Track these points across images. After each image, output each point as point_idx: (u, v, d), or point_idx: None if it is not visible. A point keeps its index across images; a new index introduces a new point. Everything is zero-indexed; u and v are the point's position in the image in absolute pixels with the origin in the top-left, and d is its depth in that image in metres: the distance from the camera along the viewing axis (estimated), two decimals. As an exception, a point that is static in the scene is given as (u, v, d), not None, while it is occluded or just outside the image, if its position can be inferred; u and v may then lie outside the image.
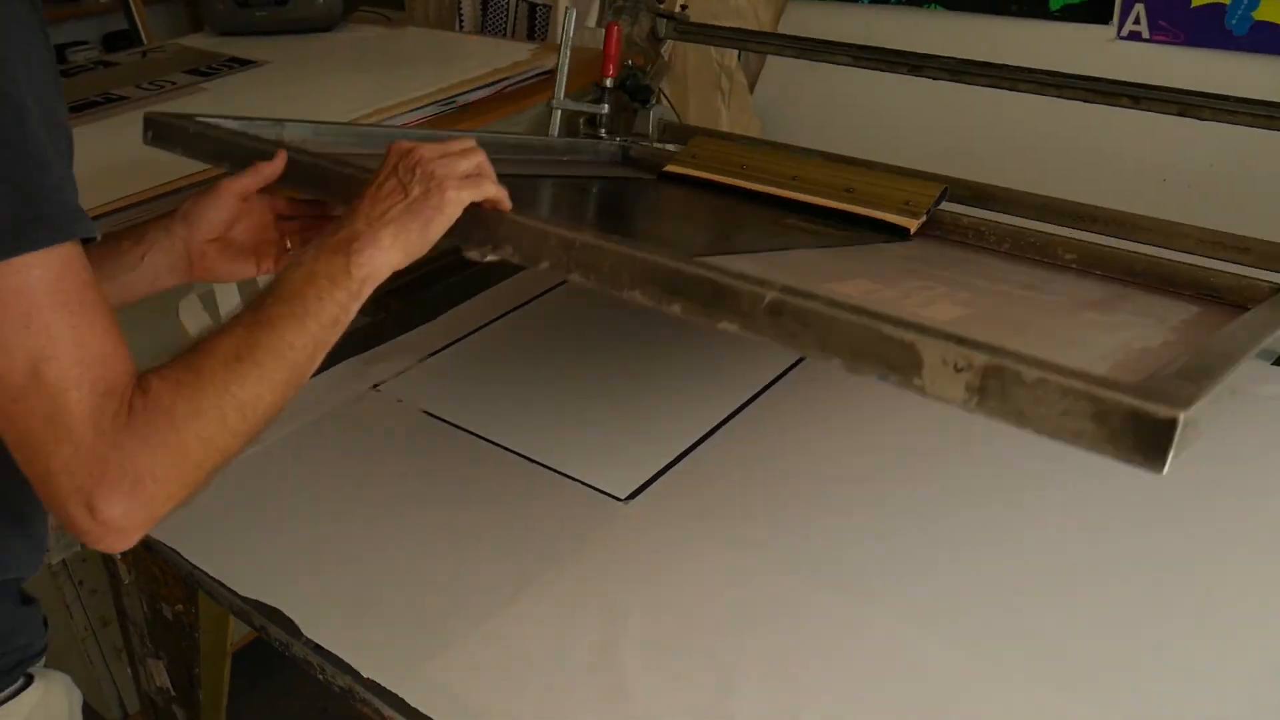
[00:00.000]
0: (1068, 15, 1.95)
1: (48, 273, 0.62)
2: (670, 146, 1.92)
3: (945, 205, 1.55)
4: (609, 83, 1.81)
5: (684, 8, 2.05)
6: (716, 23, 2.02)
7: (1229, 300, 1.33)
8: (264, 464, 1.25)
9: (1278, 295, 1.24)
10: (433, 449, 1.27)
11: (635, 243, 0.86)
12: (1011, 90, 1.66)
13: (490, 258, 0.94)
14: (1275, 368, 1.22)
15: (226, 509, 1.16)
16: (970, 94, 1.93)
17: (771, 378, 1.43)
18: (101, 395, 0.64)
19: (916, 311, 0.98)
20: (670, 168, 1.69)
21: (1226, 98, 1.48)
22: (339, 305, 0.78)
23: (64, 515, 0.65)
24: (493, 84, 2.12)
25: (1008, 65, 1.65)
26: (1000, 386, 0.68)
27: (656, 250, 0.85)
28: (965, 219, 1.52)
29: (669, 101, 1.98)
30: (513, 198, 0.92)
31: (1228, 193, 1.77)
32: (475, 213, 0.94)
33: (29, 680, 0.83)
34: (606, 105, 1.82)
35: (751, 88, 2.10)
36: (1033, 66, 1.63)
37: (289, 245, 1.02)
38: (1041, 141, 1.92)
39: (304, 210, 1.05)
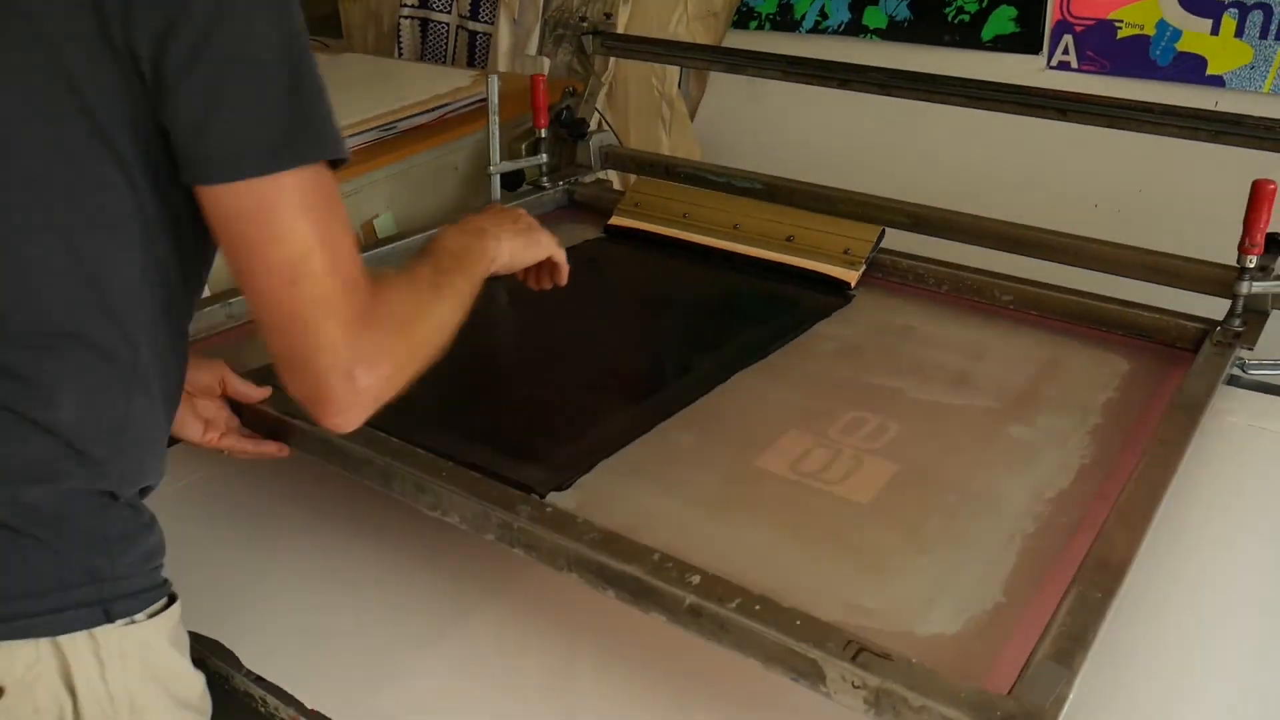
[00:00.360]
0: (1000, 45, 1.92)
1: (319, 181, 0.75)
2: (613, 177, 1.94)
3: (885, 246, 1.58)
4: (542, 133, 1.81)
5: (608, 16, 2.02)
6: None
7: (1159, 340, 1.37)
8: (204, 498, 1.24)
9: (1201, 350, 1.28)
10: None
11: (571, 523, 0.94)
12: (942, 103, 1.65)
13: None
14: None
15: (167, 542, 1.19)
16: (902, 120, 1.92)
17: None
18: (352, 288, 0.77)
19: (842, 498, 1.05)
20: (615, 220, 1.71)
21: (1151, 108, 1.48)
22: (479, 275, 0.98)
23: (321, 388, 0.77)
24: (434, 110, 2.12)
25: (936, 76, 1.64)
26: (891, 704, 0.76)
27: (588, 531, 0.93)
28: (904, 262, 1.55)
29: (609, 126, 1.97)
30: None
31: (1158, 215, 1.78)
32: (419, 480, 1.02)
33: (172, 598, 0.86)
34: (545, 155, 1.82)
35: (692, 115, 2.08)
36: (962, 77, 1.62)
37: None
38: (976, 167, 1.92)
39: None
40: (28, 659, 0.77)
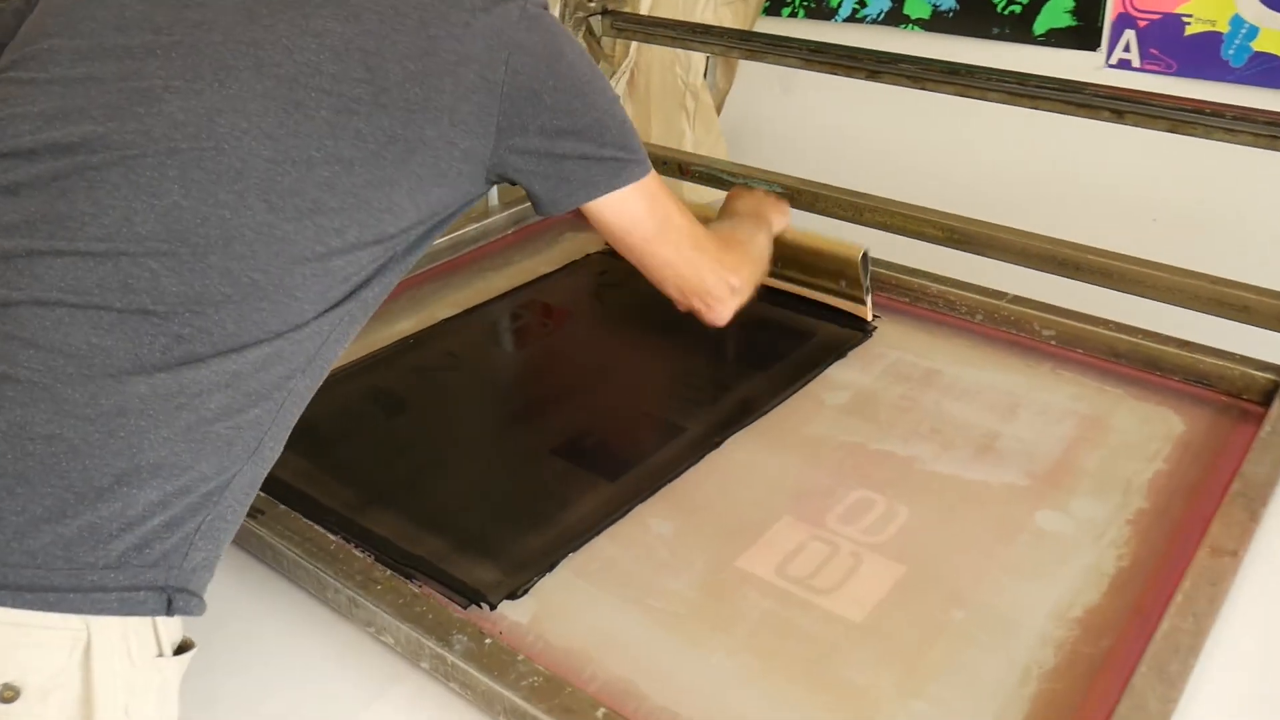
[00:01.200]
0: (1054, 41, 1.70)
1: (652, 179, 1.00)
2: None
3: (916, 266, 1.41)
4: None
5: (627, -6, 1.85)
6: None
7: (1222, 390, 1.20)
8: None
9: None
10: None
11: (510, 664, 0.82)
12: (979, 98, 1.46)
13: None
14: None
15: None
16: (944, 120, 1.72)
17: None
18: (704, 229, 1.09)
19: (831, 614, 0.91)
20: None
21: (1223, 111, 1.28)
22: (771, 231, 1.30)
23: (711, 297, 1.08)
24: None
25: (974, 68, 1.45)
26: None
27: (529, 675, 0.81)
28: (934, 287, 1.38)
29: (623, 117, 1.81)
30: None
31: (1223, 232, 1.57)
32: (351, 595, 0.91)
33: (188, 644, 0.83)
34: (546, 154, 1.67)
35: (719, 108, 1.90)
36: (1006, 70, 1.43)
37: None
38: (1020, 174, 1.72)
39: None
40: (58, 664, 0.72)
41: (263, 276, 0.78)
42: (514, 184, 0.94)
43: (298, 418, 0.85)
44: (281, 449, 0.84)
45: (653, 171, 0.99)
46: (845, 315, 1.37)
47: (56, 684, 0.71)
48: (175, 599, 0.76)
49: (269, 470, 0.84)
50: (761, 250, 1.21)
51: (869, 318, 1.34)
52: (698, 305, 1.09)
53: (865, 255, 1.33)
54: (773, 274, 1.31)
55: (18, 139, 0.80)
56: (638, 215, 0.99)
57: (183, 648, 0.80)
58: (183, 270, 0.76)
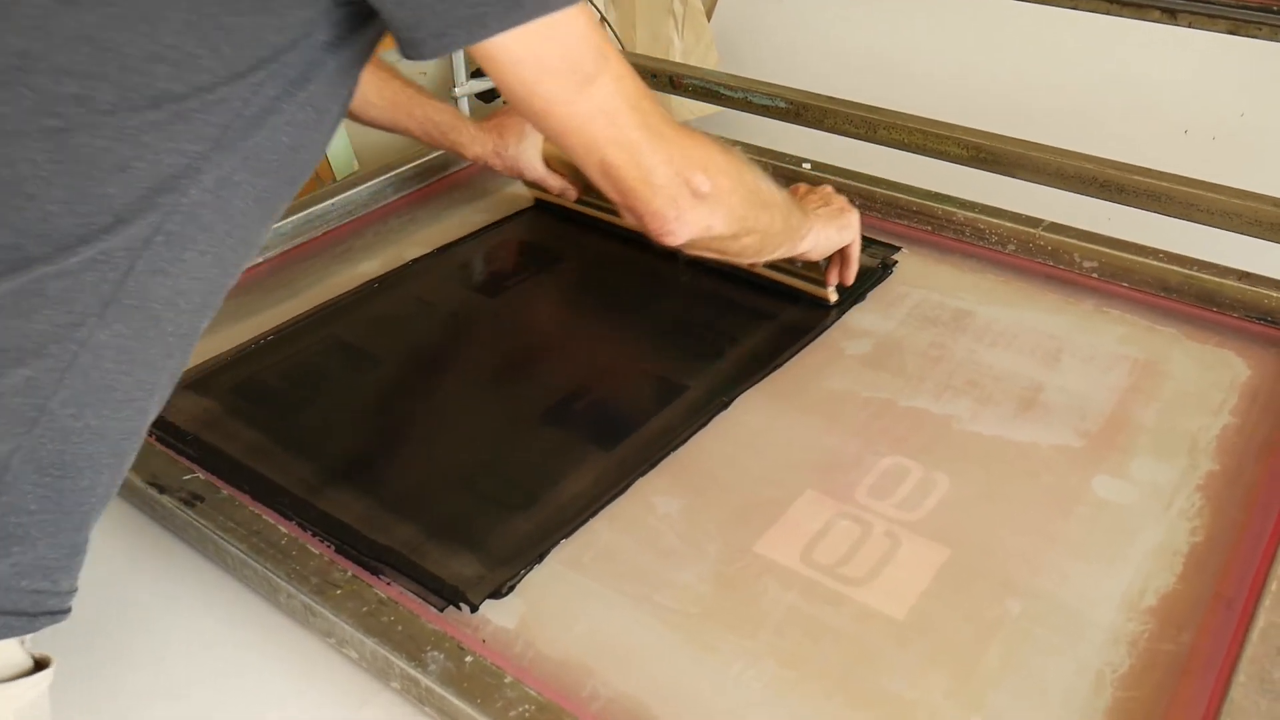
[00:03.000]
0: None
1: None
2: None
3: (938, 189, 1.27)
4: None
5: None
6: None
7: (1288, 327, 1.07)
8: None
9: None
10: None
11: (496, 687, 0.69)
12: (1011, -1, 1.30)
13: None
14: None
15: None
16: (962, 25, 1.55)
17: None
18: (656, 103, 0.76)
19: (868, 609, 0.78)
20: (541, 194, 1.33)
21: (1291, 10, 1.13)
22: (797, 238, 1.00)
23: (666, 200, 0.78)
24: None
25: (1004, -37, 1.29)
26: None
27: (520, 703, 0.68)
28: (959, 214, 1.23)
29: (612, 30, 1.64)
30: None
31: (1260, 146, 1.41)
32: (306, 602, 0.77)
33: (38, 664, 0.66)
34: (522, 69, 1.50)
35: (709, 15, 1.71)
36: (1036, -35, 1.27)
37: None
38: (1041, 80, 1.55)
39: None
40: None
41: None
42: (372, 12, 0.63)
43: (123, 383, 0.62)
44: (104, 423, 0.62)
45: (580, 3, 0.67)
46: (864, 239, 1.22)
47: None
48: None
49: (85, 446, 0.62)
50: (764, 188, 0.89)
51: (831, 298, 1.13)
52: (640, 208, 0.78)
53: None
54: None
55: None
56: (546, 64, 0.66)
57: (39, 664, 0.64)
58: None
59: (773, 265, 1.11)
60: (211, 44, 0.57)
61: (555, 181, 1.26)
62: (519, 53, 0.64)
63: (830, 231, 1.04)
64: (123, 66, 0.56)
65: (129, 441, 0.65)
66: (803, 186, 1.11)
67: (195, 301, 0.64)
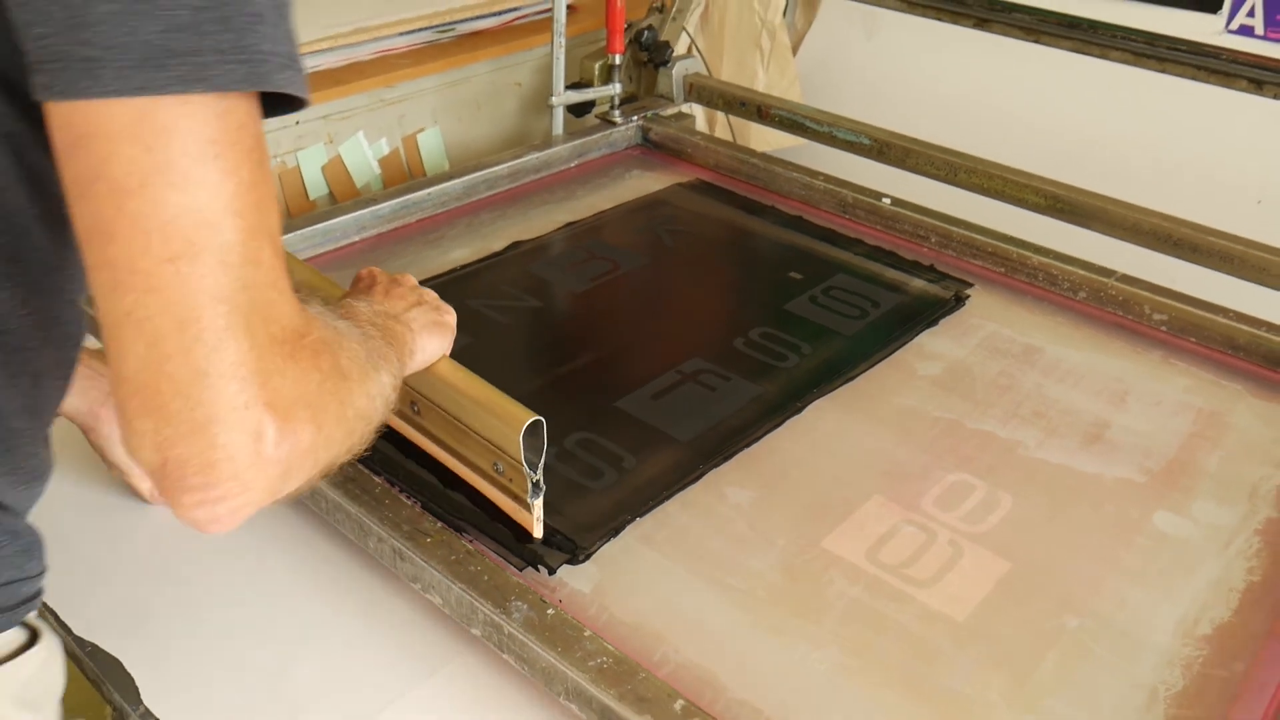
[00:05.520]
0: (1170, 0, 1.56)
1: (239, 118, 0.47)
2: (698, 113, 1.67)
3: (1011, 234, 1.30)
4: (616, 59, 1.54)
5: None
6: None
7: (1354, 394, 1.09)
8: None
9: None
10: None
11: (576, 638, 0.73)
12: (1101, 58, 1.35)
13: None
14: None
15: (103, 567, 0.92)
16: (1044, 78, 1.60)
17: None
18: (277, 290, 0.50)
19: (931, 610, 0.81)
20: None
21: (1378, 89, 1.17)
22: (402, 369, 0.74)
23: (205, 444, 0.48)
24: (500, 13, 1.85)
25: (1098, 24, 1.33)
26: None
27: (597, 655, 0.72)
28: (1033, 258, 1.27)
29: (699, 52, 1.69)
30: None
31: None
32: (396, 546, 0.81)
33: (33, 636, 0.64)
34: (617, 85, 1.56)
35: (795, 49, 1.77)
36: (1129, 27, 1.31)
37: None
38: (1121, 136, 1.59)
39: None
40: None
41: None
42: None
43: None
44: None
45: (221, 91, 0.46)
46: (931, 274, 1.26)
47: None
48: None
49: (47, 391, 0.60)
50: (368, 404, 0.60)
51: (535, 532, 0.85)
52: (167, 453, 0.48)
53: (532, 428, 0.81)
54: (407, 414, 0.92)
55: None
56: (118, 150, 0.45)
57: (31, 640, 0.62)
58: None
59: (466, 462, 0.89)
60: None
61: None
62: (81, 123, 0.45)
63: (434, 341, 0.82)
64: None
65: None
66: (369, 277, 0.85)
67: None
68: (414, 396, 0.89)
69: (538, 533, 0.85)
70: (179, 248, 0.46)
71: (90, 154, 0.45)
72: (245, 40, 0.46)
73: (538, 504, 0.84)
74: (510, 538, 0.86)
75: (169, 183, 0.45)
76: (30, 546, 0.63)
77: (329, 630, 0.83)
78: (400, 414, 0.91)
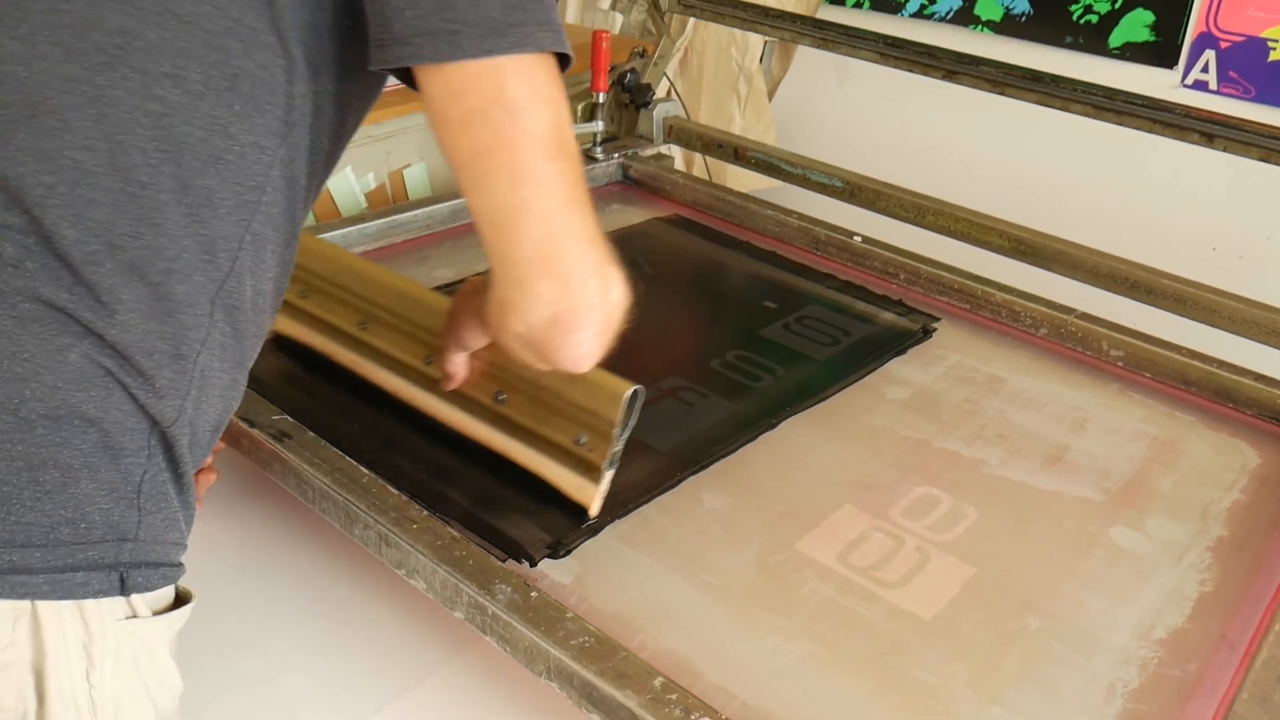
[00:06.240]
0: (1129, 55, 1.65)
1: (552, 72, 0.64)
2: (676, 153, 1.72)
3: (979, 273, 1.36)
4: (600, 98, 1.60)
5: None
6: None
7: (1298, 428, 1.14)
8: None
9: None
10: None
11: (558, 618, 0.75)
12: (1062, 110, 1.41)
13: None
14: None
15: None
16: (1006, 125, 1.68)
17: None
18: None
19: (899, 609, 0.84)
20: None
21: (1323, 144, 1.24)
22: None
23: (572, 291, 0.65)
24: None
25: (1060, 78, 1.40)
26: None
27: (578, 634, 0.74)
28: (997, 295, 1.32)
29: (678, 96, 1.75)
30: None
31: None
32: (383, 531, 0.83)
33: (183, 598, 0.69)
34: (600, 123, 1.61)
35: (771, 95, 1.85)
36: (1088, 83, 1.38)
37: None
38: (1081, 183, 1.68)
39: None
40: (2, 638, 0.60)
41: (86, 155, 0.59)
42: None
43: (221, 381, 0.67)
44: (201, 416, 0.66)
45: (554, 54, 0.63)
46: (899, 308, 1.31)
47: (4, 661, 0.61)
48: (130, 576, 0.63)
49: (230, 404, 0.69)
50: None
51: (593, 511, 0.90)
52: (548, 290, 0.65)
53: (633, 397, 0.86)
54: (485, 403, 0.95)
55: None
56: (486, 102, 0.61)
57: (179, 599, 0.68)
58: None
59: (538, 440, 0.93)
60: (269, 18, 0.61)
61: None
62: (465, 83, 0.61)
63: None
64: (205, 42, 0.59)
65: (213, 435, 0.69)
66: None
67: (266, 305, 0.69)
68: (500, 383, 0.93)
69: (595, 510, 0.89)
70: (554, 151, 0.62)
71: (476, 96, 0.61)
72: (550, 16, 0.62)
73: (609, 476, 0.89)
74: (492, 530, 0.88)
75: (530, 111, 0.61)
76: (190, 512, 0.68)
77: (316, 641, 0.85)
78: (481, 404, 0.95)
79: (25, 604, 0.60)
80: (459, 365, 0.91)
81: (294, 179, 0.66)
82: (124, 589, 0.62)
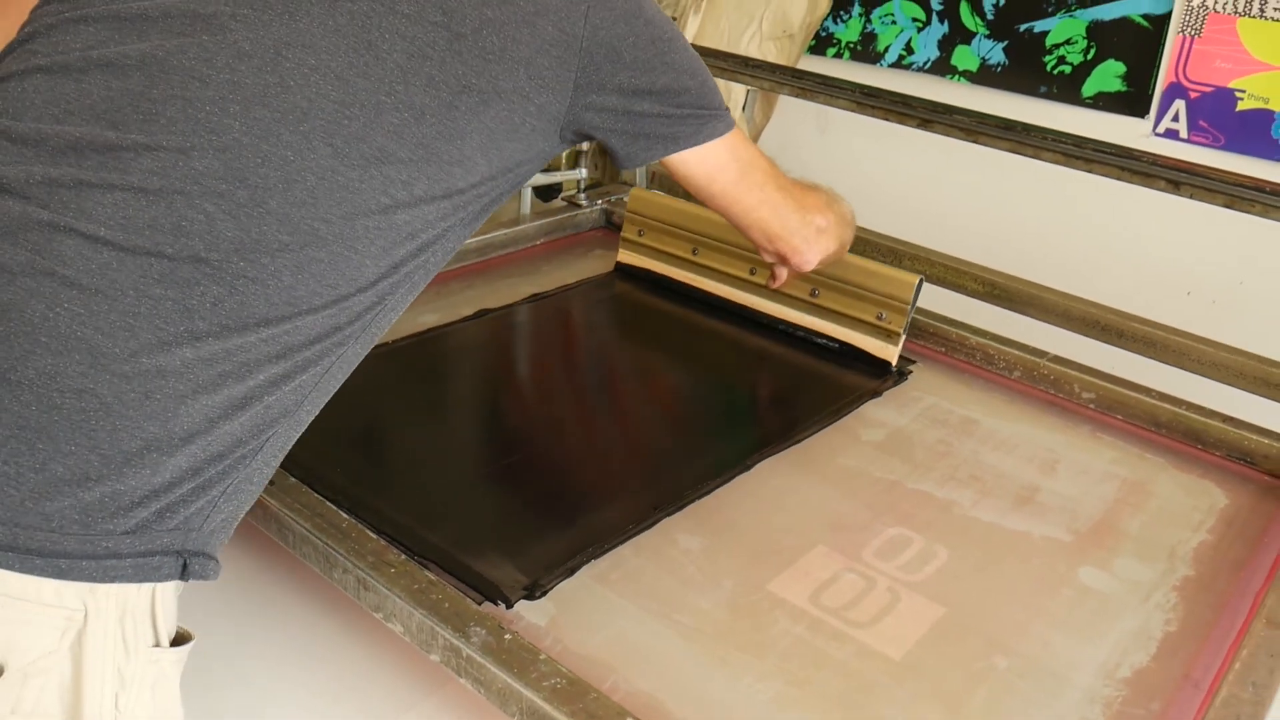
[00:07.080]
0: (1101, 104, 1.69)
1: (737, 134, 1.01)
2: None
3: (953, 317, 1.38)
4: (584, 145, 1.63)
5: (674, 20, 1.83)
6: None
7: (1265, 470, 1.16)
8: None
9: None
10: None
11: (531, 661, 0.76)
12: (1034, 158, 1.44)
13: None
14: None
15: None
16: (985, 174, 1.72)
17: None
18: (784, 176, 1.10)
19: (869, 649, 0.86)
20: (623, 258, 1.51)
21: (1284, 191, 1.27)
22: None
23: (794, 238, 1.11)
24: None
25: (1031, 126, 1.43)
26: None
27: (551, 676, 0.76)
28: (972, 339, 1.35)
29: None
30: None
31: (1259, 312, 1.56)
32: (361, 576, 0.85)
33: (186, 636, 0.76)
34: (584, 170, 1.64)
35: (755, 140, 1.88)
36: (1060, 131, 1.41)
37: None
38: (1055, 229, 1.71)
39: None
40: (45, 646, 0.66)
41: (323, 226, 0.74)
42: (590, 139, 0.92)
43: (341, 383, 0.80)
44: (319, 410, 0.79)
45: (735, 125, 0.99)
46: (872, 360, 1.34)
47: (40, 668, 0.66)
48: (191, 563, 0.70)
49: (304, 430, 0.79)
50: (847, 210, 1.21)
51: (894, 362, 1.29)
52: (784, 249, 1.11)
53: (920, 285, 1.29)
54: (802, 298, 1.32)
55: (66, 54, 0.75)
56: (717, 166, 0.99)
57: (180, 639, 0.73)
58: (239, 214, 0.71)
59: (847, 318, 1.33)
60: (489, 156, 0.81)
61: None
62: (698, 160, 0.98)
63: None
64: (438, 166, 0.78)
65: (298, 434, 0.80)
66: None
67: (386, 328, 0.83)
68: (812, 283, 1.34)
69: (895, 360, 1.29)
70: (765, 180, 1.05)
71: (714, 167, 1.00)
72: (720, 101, 0.97)
73: (903, 338, 1.29)
74: (469, 572, 0.89)
75: (752, 166, 1.03)
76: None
77: (297, 680, 0.87)
78: (799, 299, 1.37)
79: (79, 616, 0.66)
80: (783, 275, 1.35)
81: (452, 244, 0.84)
82: (185, 574, 0.70)
